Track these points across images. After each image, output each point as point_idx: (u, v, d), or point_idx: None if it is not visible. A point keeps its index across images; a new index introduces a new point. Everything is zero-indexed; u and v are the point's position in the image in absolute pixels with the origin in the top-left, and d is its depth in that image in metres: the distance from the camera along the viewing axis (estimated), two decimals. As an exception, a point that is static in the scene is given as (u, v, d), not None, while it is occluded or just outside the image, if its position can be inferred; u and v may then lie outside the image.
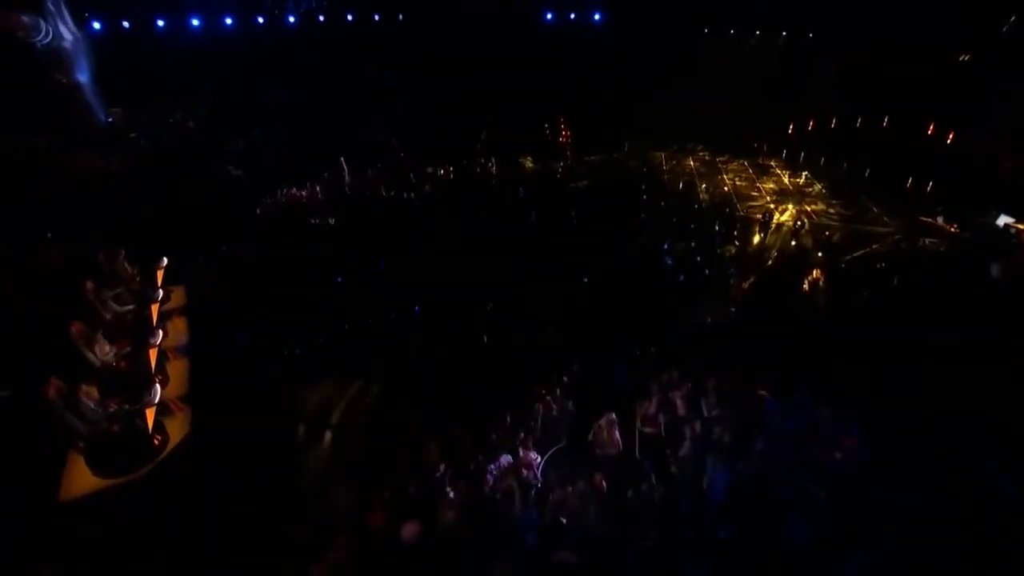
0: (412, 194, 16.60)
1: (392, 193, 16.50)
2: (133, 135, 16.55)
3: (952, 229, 14.96)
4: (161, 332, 9.46)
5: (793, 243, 14.56)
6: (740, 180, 19.76)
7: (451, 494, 6.37)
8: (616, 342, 9.61)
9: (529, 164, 20.88)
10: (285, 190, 16.13)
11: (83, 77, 15.61)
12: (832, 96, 23.13)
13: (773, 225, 15.52)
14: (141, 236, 12.48)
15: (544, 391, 7.94)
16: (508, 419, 7.42)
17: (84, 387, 7.52)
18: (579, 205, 16.33)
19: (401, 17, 25.88)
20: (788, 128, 24.14)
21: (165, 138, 16.99)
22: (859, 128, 22.92)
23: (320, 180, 16.97)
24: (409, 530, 5.80)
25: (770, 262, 13.44)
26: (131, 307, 10.10)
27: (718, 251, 13.66)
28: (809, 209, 16.93)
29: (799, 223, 15.45)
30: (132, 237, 12.07)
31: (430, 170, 18.57)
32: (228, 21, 21.43)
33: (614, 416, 7.16)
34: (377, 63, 24.07)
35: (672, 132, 23.48)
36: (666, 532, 5.99)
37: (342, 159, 17.45)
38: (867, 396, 8.57)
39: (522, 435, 7.07)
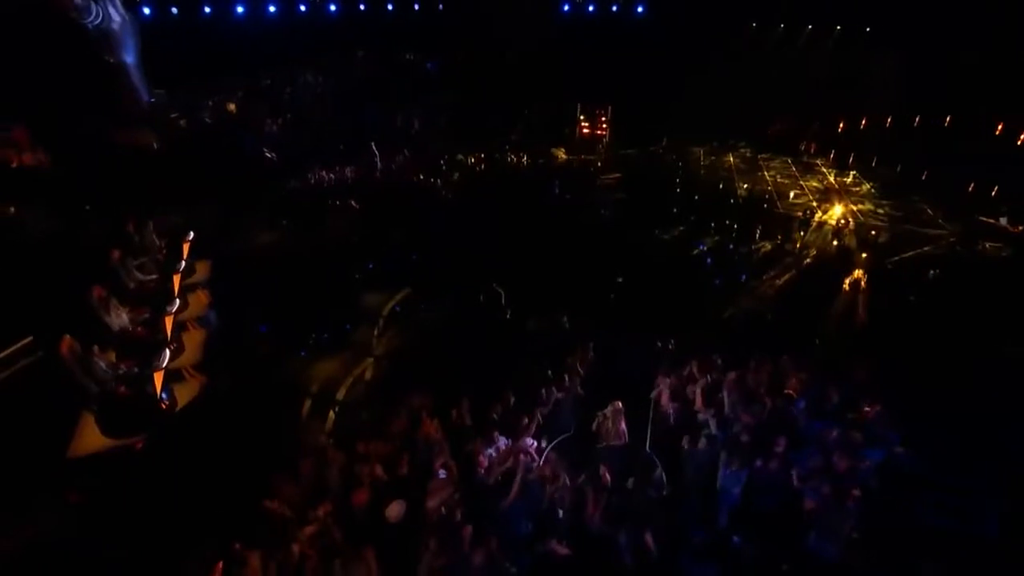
0: (439, 180, 16.48)
1: (419, 178, 16.44)
2: (174, 115, 17.01)
3: (1018, 230, 13.75)
4: (178, 302, 9.60)
5: (835, 243, 13.70)
6: (782, 177, 18.82)
7: (442, 475, 6.12)
8: (634, 332, 9.17)
9: (562, 155, 20.51)
10: (315, 172, 16.27)
11: (129, 58, 16.15)
12: (888, 94, 21.77)
13: (814, 223, 14.65)
14: (173, 210, 12.78)
15: (552, 377, 7.58)
16: (511, 402, 7.11)
17: (97, 347, 7.66)
18: (609, 197, 15.87)
19: (441, 7, 26.00)
20: (838, 127, 22.89)
21: (204, 119, 17.39)
22: (917, 127, 21.52)
23: (351, 164, 17.05)
24: (394, 510, 5.59)
25: (808, 260, 12.66)
26: (154, 277, 10.31)
27: (752, 247, 12.97)
28: (855, 208, 15.92)
29: (842, 222, 14.53)
30: (164, 211, 12.39)
31: (460, 158, 18.42)
32: (271, 9, 21.98)
33: (620, 405, 6.74)
34: (415, 52, 24.17)
35: (713, 129, 22.59)
36: (668, 530, 5.56)
37: (373, 144, 17.49)
38: (910, 404, 7.87)
39: (524, 420, 6.73)
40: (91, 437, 7.53)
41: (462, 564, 5.07)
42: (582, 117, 22.28)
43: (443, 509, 5.60)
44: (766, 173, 19.18)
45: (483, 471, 6.10)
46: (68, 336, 7.37)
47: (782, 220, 14.90)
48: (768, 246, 13.21)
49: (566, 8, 26.52)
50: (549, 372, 7.67)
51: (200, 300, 11.06)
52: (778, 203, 16.25)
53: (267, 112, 18.61)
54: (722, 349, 8.55)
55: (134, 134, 15.80)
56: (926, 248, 13.39)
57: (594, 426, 6.81)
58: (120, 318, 8.90)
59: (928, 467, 7.21)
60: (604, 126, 22.34)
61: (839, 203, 15.94)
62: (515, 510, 5.89)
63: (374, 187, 15.93)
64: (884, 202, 16.47)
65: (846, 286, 11.52)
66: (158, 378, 7.81)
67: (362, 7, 24.15)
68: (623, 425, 6.64)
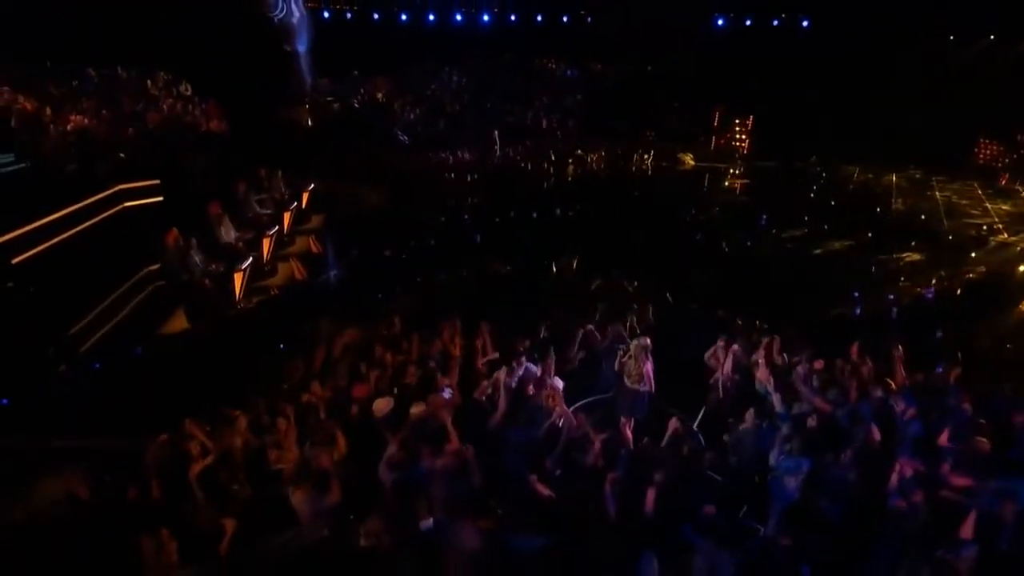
0: (552, 168, 16.48)
1: (532, 166, 16.61)
2: (329, 99, 19.30)
3: None
4: (277, 227, 10.58)
5: (1021, 268, 10.88)
6: (958, 198, 15.61)
7: (447, 394, 5.75)
8: (710, 308, 8.04)
9: (689, 162, 19.29)
10: (437, 153, 17.25)
11: (301, 48, 18.74)
12: None
13: (992, 243, 11.82)
14: (307, 172, 14.26)
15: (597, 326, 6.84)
16: (541, 335, 6.52)
17: (196, 242, 8.68)
18: (728, 198, 14.52)
19: (590, 20, 26.48)
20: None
21: (354, 105, 19.45)
22: None
23: (471, 150, 17.79)
24: (381, 404, 5.35)
25: (971, 276, 10.17)
26: (269, 211, 11.52)
27: (893, 256, 10.82)
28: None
29: (1034, 244, 11.56)
30: (299, 170, 13.90)
31: (579, 153, 18.24)
32: (431, 17, 24.25)
33: (648, 342, 5.74)
34: (558, 59, 24.85)
35: (882, 149, 19.41)
36: (675, 491, 4.54)
37: (495, 132, 18.10)
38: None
39: (550, 355, 6.08)
40: (177, 321, 8.54)
41: (426, 467, 4.63)
42: (717, 125, 20.87)
43: (428, 417, 5.22)
44: (937, 193, 16.05)
45: (480, 392, 5.62)
46: (175, 229, 8.46)
47: (944, 237, 12.27)
48: (917, 257, 10.90)
49: (720, 22, 25.44)
50: (594, 322, 6.92)
51: (307, 244, 12.19)
52: (944, 220, 13.43)
53: (409, 103, 20.26)
54: (816, 341, 7.07)
55: (294, 111, 18.21)
56: None
57: (616, 365, 5.93)
58: (229, 235, 10.03)
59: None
60: (743, 137, 20.66)
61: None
62: (511, 441, 5.31)
63: (487, 169, 16.42)
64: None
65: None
66: (237, 279, 8.60)
67: (513, 18, 25.67)
68: (648, 366, 5.63)
